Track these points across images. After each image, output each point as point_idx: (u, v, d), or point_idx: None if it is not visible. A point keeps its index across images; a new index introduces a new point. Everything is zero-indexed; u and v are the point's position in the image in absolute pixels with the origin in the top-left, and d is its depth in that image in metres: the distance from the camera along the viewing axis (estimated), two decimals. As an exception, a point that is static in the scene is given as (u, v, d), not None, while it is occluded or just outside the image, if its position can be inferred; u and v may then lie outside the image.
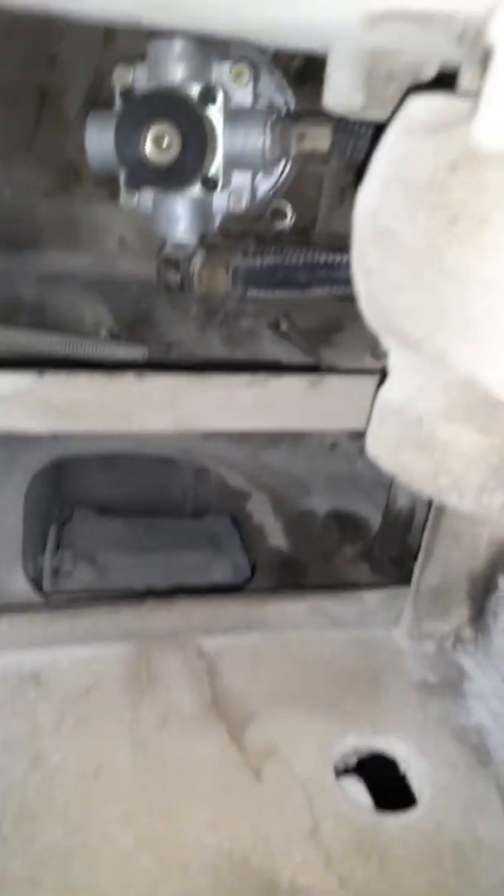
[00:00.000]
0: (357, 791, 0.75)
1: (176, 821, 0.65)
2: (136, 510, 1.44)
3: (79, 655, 0.77)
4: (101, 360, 1.14)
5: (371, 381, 0.78)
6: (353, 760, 0.82)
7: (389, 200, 0.44)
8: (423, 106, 0.43)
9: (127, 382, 0.67)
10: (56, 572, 1.22)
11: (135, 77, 0.92)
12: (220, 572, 1.34)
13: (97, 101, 1.07)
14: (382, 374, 0.58)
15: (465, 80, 0.44)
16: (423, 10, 0.34)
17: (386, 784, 0.77)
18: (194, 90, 0.89)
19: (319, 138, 0.96)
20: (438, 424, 0.51)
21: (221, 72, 0.93)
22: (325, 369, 0.96)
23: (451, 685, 0.87)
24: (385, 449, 0.55)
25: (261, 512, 1.25)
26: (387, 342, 0.53)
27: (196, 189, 0.95)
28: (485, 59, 0.41)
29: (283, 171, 1.11)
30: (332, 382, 0.75)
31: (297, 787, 0.70)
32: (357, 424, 0.81)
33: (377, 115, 0.60)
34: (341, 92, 0.60)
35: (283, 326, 1.16)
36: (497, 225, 0.40)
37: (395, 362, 0.54)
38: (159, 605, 0.83)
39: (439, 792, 0.74)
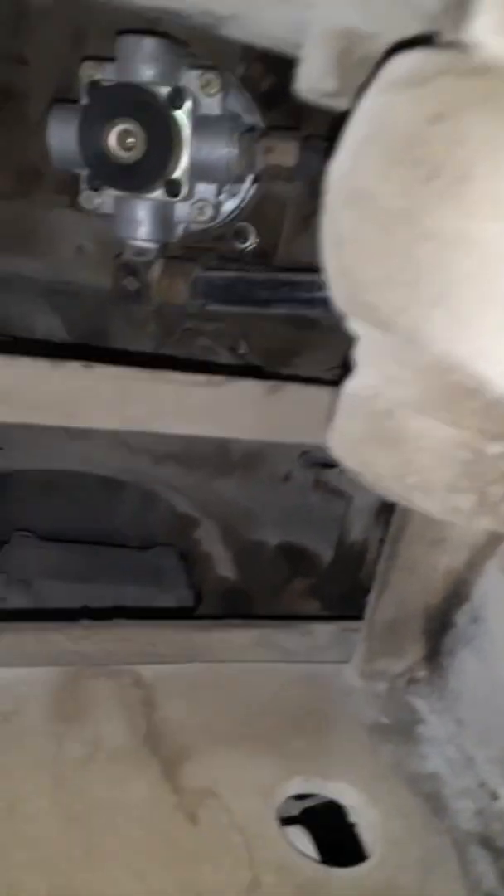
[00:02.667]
0: (302, 842, 0.68)
1: (98, 869, 0.57)
2: (78, 537, 1.36)
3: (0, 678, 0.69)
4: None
5: (330, 391, 0.74)
6: (298, 807, 0.75)
7: (364, 160, 0.41)
8: (403, 61, 0.40)
9: (72, 371, 0.61)
10: (-14, 597, 1.13)
11: (103, 73, 0.90)
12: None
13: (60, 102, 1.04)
14: (345, 371, 0.54)
15: (446, 37, 0.41)
16: None
17: (333, 834, 0.71)
18: (163, 91, 0.87)
19: (286, 153, 0.94)
20: (409, 416, 0.46)
21: (190, 78, 0.91)
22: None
23: (404, 729, 0.81)
24: (349, 445, 0.50)
25: (209, 540, 1.19)
26: (356, 326, 0.49)
27: (159, 192, 0.91)
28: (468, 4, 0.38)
29: (247, 192, 1.10)
30: (291, 391, 0.71)
31: (237, 835, 0.62)
32: (315, 437, 0.77)
33: (349, 102, 0.58)
34: (314, 76, 0.57)
35: (242, 349, 1.13)
36: (479, 180, 0.36)
37: (362, 350, 0.50)
38: (94, 628, 0.76)
39: (391, 845, 0.67)
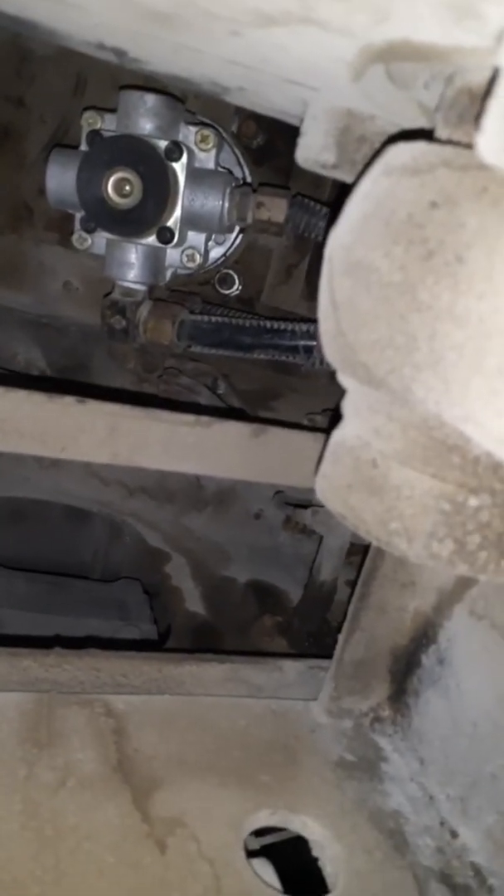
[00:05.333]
0: (267, 874, 0.70)
1: (67, 895, 0.58)
2: (44, 567, 1.36)
3: (-26, 702, 0.69)
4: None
5: (313, 437, 0.78)
6: (264, 840, 0.76)
7: (366, 235, 0.45)
8: (405, 150, 0.45)
9: (66, 405, 0.64)
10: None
11: (103, 123, 0.94)
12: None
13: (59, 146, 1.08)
14: (332, 423, 0.58)
15: (442, 134, 0.46)
16: (427, 42, 0.36)
17: (297, 867, 0.72)
18: (161, 144, 0.91)
19: (276, 209, 0.99)
20: (393, 467, 0.50)
21: (188, 134, 0.96)
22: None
23: (368, 766, 0.83)
24: (335, 490, 0.54)
25: (180, 575, 1.20)
26: (346, 381, 0.52)
27: (151, 238, 0.95)
28: (463, 108, 0.43)
29: (234, 241, 1.14)
30: (275, 434, 0.75)
31: (205, 865, 0.64)
32: (295, 480, 0.80)
33: (346, 175, 0.62)
34: (314, 149, 0.62)
35: (221, 388, 1.16)
36: (471, 263, 0.41)
37: (352, 402, 0.54)
38: (66, 656, 0.77)
39: (354, 879, 0.69)
